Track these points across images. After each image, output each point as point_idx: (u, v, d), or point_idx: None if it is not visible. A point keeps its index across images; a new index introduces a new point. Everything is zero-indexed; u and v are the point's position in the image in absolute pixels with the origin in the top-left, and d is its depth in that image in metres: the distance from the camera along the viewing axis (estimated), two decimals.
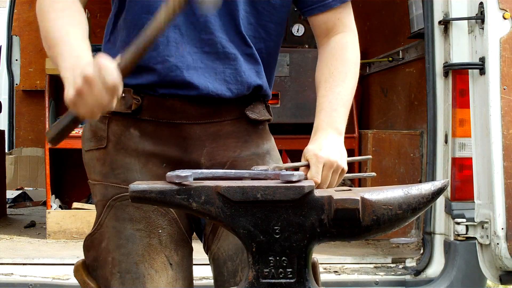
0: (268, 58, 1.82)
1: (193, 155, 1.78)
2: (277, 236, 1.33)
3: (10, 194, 5.85)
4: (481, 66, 3.06)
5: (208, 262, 1.88)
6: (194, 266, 1.86)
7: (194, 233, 1.87)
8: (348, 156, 1.74)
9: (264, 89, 1.82)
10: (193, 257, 1.85)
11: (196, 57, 1.73)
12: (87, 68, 1.44)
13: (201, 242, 1.88)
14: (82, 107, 1.47)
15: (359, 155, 4.58)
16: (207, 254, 1.87)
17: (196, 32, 1.73)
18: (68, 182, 5.11)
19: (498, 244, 3.02)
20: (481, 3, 3.06)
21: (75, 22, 1.65)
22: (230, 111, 1.80)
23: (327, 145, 1.69)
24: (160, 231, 1.75)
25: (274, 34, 1.82)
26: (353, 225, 1.32)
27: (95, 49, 4.42)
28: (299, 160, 1.69)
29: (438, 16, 3.26)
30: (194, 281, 1.85)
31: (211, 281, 1.91)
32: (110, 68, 1.44)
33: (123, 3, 1.77)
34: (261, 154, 1.85)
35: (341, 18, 1.83)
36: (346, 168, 1.70)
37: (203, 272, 2.72)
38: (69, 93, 1.47)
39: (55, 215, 4.32)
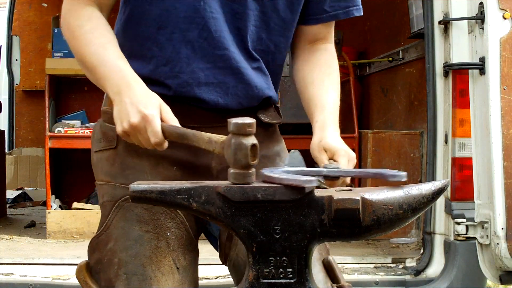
0: (275, 69, 1.85)
1: (204, 159, 1.78)
2: (277, 236, 1.33)
3: (10, 194, 5.85)
4: (481, 66, 3.06)
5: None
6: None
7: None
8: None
9: (274, 98, 1.85)
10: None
11: (209, 73, 1.74)
12: (133, 116, 1.54)
13: (217, 250, 1.88)
14: (132, 141, 1.59)
15: (359, 155, 4.58)
16: (226, 263, 1.86)
17: (210, 48, 1.72)
18: (68, 182, 5.11)
19: (498, 244, 3.02)
20: (481, 3, 3.06)
21: (106, 41, 1.66)
22: (241, 115, 1.81)
23: (341, 141, 1.73)
24: (168, 234, 1.74)
25: (282, 47, 1.84)
26: (353, 225, 1.32)
27: None
28: None
29: (438, 16, 3.26)
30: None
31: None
32: (155, 127, 1.53)
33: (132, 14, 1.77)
34: (270, 157, 1.86)
35: (330, 31, 1.90)
36: None
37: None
38: (118, 128, 1.59)
39: (55, 215, 4.32)
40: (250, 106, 1.79)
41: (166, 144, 1.56)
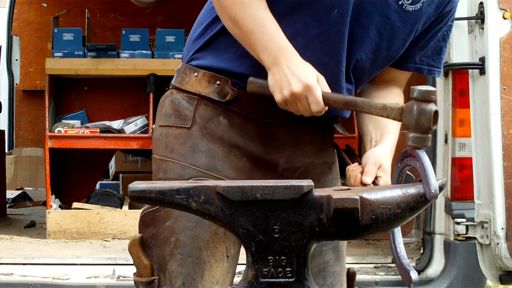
0: (357, 88, 1.89)
1: (273, 155, 1.81)
2: (276, 236, 1.33)
3: (10, 194, 5.85)
4: (481, 66, 3.07)
5: None
6: None
7: None
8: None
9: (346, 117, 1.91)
10: None
11: None
12: (294, 86, 1.58)
13: None
14: (289, 109, 1.64)
15: (359, 155, 4.57)
16: None
17: (319, 53, 1.72)
18: (68, 182, 5.11)
19: (498, 244, 3.02)
20: (481, 3, 3.07)
21: (263, 6, 1.65)
22: (313, 119, 1.82)
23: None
24: None
25: (370, 79, 1.88)
26: (352, 225, 1.33)
27: (95, 49, 4.46)
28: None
29: None
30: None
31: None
32: (317, 96, 1.59)
33: None
34: (329, 163, 1.91)
35: (407, 79, 1.97)
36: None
37: None
38: (277, 97, 1.63)
39: (55, 215, 4.32)
40: (328, 117, 1.82)
41: (324, 111, 1.62)
